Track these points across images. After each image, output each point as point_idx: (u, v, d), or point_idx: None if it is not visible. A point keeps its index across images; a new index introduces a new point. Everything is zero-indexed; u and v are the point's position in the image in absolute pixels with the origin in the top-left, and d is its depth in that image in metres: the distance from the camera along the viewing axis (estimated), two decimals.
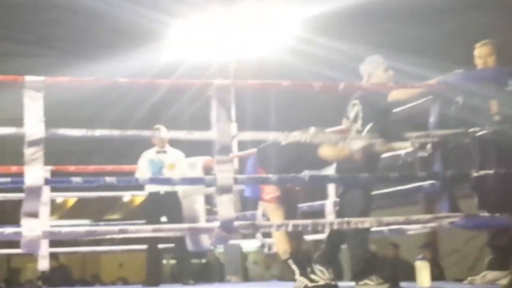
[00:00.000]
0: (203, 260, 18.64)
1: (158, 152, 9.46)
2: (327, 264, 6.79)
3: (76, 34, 17.63)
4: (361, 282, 6.44)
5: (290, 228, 5.95)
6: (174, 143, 9.68)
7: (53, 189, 9.01)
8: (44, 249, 8.73)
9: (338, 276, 6.92)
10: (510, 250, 6.33)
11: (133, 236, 6.06)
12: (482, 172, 6.23)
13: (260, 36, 13.89)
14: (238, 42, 14.16)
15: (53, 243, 9.16)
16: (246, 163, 6.66)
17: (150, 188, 9.39)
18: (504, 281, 6.01)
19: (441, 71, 6.82)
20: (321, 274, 6.59)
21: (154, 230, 6.11)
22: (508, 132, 6.18)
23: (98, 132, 5.81)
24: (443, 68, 6.84)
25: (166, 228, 6.54)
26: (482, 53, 6.67)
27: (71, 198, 21.66)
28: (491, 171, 6.20)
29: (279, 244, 6.53)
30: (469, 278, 6.68)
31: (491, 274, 6.45)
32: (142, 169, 9.39)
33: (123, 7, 14.29)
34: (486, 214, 6.20)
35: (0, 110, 13.08)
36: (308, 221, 5.99)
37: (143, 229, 6.16)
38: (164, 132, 9.15)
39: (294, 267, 6.38)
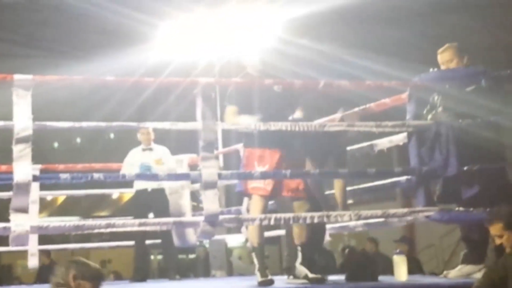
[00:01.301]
0: (191, 256, 18.66)
1: (144, 149, 9.46)
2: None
3: (65, 35, 17.63)
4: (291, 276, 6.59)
5: (272, 222, 5.99)
6: (161, 142, 9.71)
7: (43, 187, 8.99)
8: (34, 246, 8.70)
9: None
10: (483, 244, 6.37)
11: (121, 232, 6.09)
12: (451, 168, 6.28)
13: (244, 37, 13.95)
14: (223, 42, 14.21)
15: (43, 241, 9.17)
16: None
17: (138, 186, 9.40)
18: (478, 275, 6.06)
19: (417, 71, 6.90)
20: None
21: (141, 225, 6.11)
22: (471, 130, 6.24)
23: (85, 124, 5.84)
24: (419, 69, 6.92)
25: (152, 223, 6.55)
26: (443, 59, 6.75)
27: (60, 196, 21.71)
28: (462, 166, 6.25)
29: (250, 236, 6.54)
30: (445, 272, 6.74)
31: (466, 268, 6.50)
32: (127, 167, 9.38)
33: (111, 8, 14.31)
34: (460, 208, 6.26)
35: None
36: (290, 215, 6.05)
37: (130, 224, 6.16)
38: (150, 130, 9.20)
39: (255, 260, 6.41)
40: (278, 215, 6.04)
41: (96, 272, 4.43)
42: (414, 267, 8.47)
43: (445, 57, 6.74)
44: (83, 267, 4.38)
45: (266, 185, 6.37)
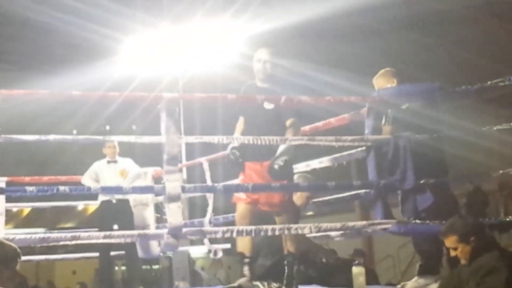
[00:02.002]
0: (155, 266, 18.58)
1: (109, 162, 9.46)
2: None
3: (32, 49, 17.56)
4: (255, 283, 6.56)
5: (234, 234, 5.99)
6: (126, 156, 9.70)
7: (9, 199, 8.93)
8: None
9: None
10: (438, 255, 6.41)
11: (86, 243, 6.06)
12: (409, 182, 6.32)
13: (207, 52, 13.96)
14: (187, 57, 14.21)
15: None
16: None
17: (103, 197, 9.38)
18: (434, 286, 6.11)
19: (371, 86, 6.97)
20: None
21: (105, 237, 6.08)
22: (426, 144, 6.30)
23: (52, 137, 5.80)
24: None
25: (117, 235, 6.51)
26: (377, 85, 6.85)
27: (26, 208, 21.54)
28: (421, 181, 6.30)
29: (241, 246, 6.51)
30: (401, 284, 6.77)
31: (421, 279, 6.54)
32: (85, 178, 9.36)
33: (77, 23, 14.29)
34: (417, 221, 6.30)
35: None
36: (252, 227, 6.05)
37: (95, 236, 6.13)
38: (115, 144, 9.20)
39: (245, 270, 6.39)
40: (241, 228, 6.03)
41: (10, 252, 4.24)
42: (370, 279, 8.48)
43: (377, 83, 6.87)
44: None
45: (251, 195, 6.38)
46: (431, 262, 6.49)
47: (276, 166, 6.17)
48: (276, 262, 6.75)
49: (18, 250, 4.29)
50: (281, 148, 6.23)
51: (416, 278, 6.61)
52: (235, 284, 6.22)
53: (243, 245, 6.41)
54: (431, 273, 6.45)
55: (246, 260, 6.35)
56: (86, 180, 9.29)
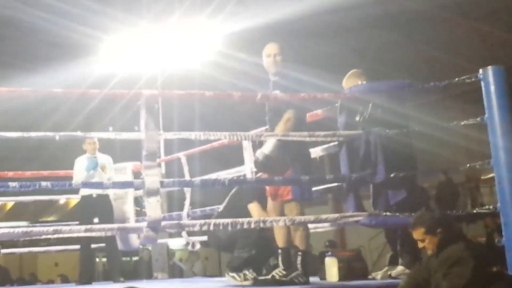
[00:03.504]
0: (135, 258, 18.55)
1: (89, 158, 9.44)
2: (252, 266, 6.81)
3: (14, 48, 17.47)
4: (231, 274, 6.56)
5: (211, 227, 5.97)
6: (106, 150, 9.68)
7: None
8: None
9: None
10: (409, 247, 6.42)
11: (67, 236, 6.03)
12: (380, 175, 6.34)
13: (185, 50, 13.96)
14: (166, 56, 14.20)
15: None
16: None
17: (83, 192, 9.35)
18: (403, 276, 6.12)
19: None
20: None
21: (87, 230, 6.06)
22: (396, 138, 6.32)
23: (33, 134, 5.77)
24: None
25: (98, 228, 6.48)
26: (346, 86, 6.88)
27: (9, 202, 21.42)
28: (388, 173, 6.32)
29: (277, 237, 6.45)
30: (373, 274, 6.80)
31: (392, 270, 6.58)
32: (79, 173, 9.35)
33: (59, 22, 14.23)
34: (388, 213, 6.32)
35: None
36: (228, 220, 6.05)
37: (76, 230, 6.10)
38: (95, 140, 9.19)
39: (280, 260, 6.35)
40: (217, 221, 6.02)
41: None
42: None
43: (346, 84, 6.90)
44: None
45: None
46: (401, 253, 6.53)
47: (255, 159, 6.22)
48: (254, 254, 6.75)
49: None
50: (268, 141, 6.24)
51: (386, 268, 6.65)
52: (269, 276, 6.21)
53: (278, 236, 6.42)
54: (401, 264, 6.50)
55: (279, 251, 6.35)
56: (79, 176, 9.26)
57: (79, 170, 9.34)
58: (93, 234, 6.49)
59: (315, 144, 6.86)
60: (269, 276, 6.18)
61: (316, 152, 7.06)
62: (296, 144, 6.27)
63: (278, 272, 6.15)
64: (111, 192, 9.42)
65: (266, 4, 12.67)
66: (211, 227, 5.95)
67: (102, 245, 9.78)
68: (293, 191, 6.31)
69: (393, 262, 6.60)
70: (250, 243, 6.79)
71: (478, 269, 4.76)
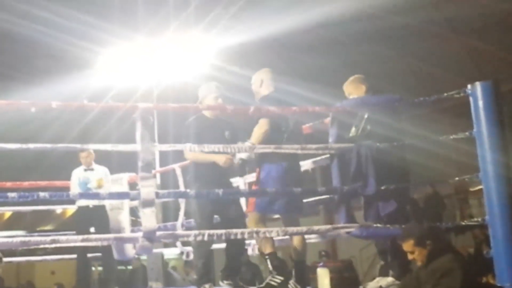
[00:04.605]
0: (129, 267, 18.49)
1: (85, 170, 9.43)
2: (230, 276, 6.82)
3: (14, 61, 17.46)
4: (226, 281, 6.58)
5: (206, 238, 5.96)
6: (103, 161, 9.67)
7: None
8: None
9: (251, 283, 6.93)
10: (399, 257, 6.42)
11: (64, 245, 6.02)
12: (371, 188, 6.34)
13: (180, 63, 13.97)
14: (161, 69, 14.20)
15: None
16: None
17: (80, 202, 9.34)
18: (394, 286, 6.12)
19: (339, 97, 6.99)
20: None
21: (83, 240, 6.05)
22: (387, 151, 6.33)
23: (32, 146, 5.76)
24: (341, 95, 7.01)
25: (94, 238, 6.48)
26: (347, 91, 6.89)
27: (7, 212, 21.36)
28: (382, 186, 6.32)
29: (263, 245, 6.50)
30: (364, 284, 6.78)
31: (383, 280, 6.57)
32: (75, 186, 9.34)
33: (57, 36, 14.23)
34: (378, 225, 6.32)
35: None
36: (222, 231, 6.04)
37: (73, 239, 6.11)
38: (90, 152, 9.18)
39: (269, 264, 6.37)
40: (212, 232, 6.02)
41: None
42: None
43: (346, 89, 6.91)
44: None
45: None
46: (392, 264, 6.52)
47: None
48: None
49: (1, 255, 4.25)
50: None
51: (378, 279, 6.64)
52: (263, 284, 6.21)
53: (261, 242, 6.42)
54: (392, 275, 6.49)
55: (266, 257, 6.33)
56: (75, 189, 9.26)
57: (75, 184, 9.33)
58: (90, 243, 6.50)
59: (307, 156, 6.88)
60: (264, 285, 6.17)
61: (308, 164, 7.07)
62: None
63: (272, 278, 6.15)
64: (107, 203, 9.40)
65: (259, 18, 12.69)
66: (205, 237, 5.95)
67: (98, 254, 9.76)
68: (256, 203, 6.42)
69: (383, 273, 6.59)
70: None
71: (467, 280, 4.77)
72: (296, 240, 6.44)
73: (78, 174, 9.43)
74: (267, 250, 6.33)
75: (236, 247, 6.95)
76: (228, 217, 6.96)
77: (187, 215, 8.60)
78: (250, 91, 6.99)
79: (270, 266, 6.24)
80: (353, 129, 6.62)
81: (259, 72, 6.94)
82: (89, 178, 9.36)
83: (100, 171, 9.50)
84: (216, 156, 6.54)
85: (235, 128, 6.90)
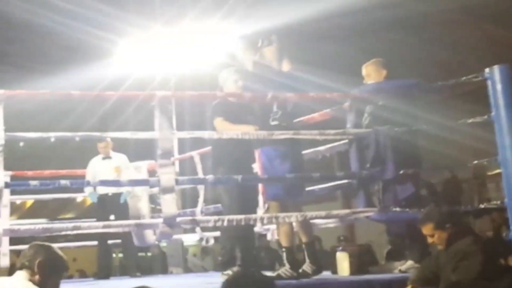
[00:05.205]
0: (149, 254, 18.56)
1: (103, 158, 9.45)
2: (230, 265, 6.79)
3: (32, 51, 17.50)
4: (225, 272, 6.54)
5: (225, 223, 5.97)
6: (122, 150, 9.68)
7: (13, 192, 8.90)
8: (5, 247, 8.56)
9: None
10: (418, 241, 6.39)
11: (85, 232, 6.04)
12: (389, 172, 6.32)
13: (197, 52, 13.97)
14: (179, 58, 14.21)
15: (14, 241, 9.04)
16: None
17: (99, 190, 9.35)
18: (412, 270, 6.10)
19: (357, 84, 6.96)
20: None
21: (105, 227, 6.07)
22: (404, 136, 6.31)
23: (52, 134, 5.77)
24: (359, 82, 6.98)
25: (115, 225, 6.51)
26: (366, 72, 6.85)
27: (29, 200, 21.45)
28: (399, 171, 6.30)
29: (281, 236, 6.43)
30: (369, 268, 6.73)
31: (388, 264, 6.61)
32: (88, 175, 9.34)
33: (74, 26, 14.24)
34: (397, 209, 6.30)
35: None
36: (241, 216, 6.05)
37: (94, 226, 6.14)
38: (108, 142, 9.20)
39: (284, 257, 6.31)
40: (231, 217, 6.02)
41: (61, 264, 4.21)
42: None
43: (365, 71, 6.88)
44: (51, 257, 4.17)
45: None
46: (410, 248, 6.50)
47: None
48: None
49: (67, 266, 4.31)
50: None
51: (384, 263, 6.66)
52: (275, 274, 6.17)
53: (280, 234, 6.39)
54: (399, 259, 6.52)
55: (283, 249, 6.31)
56: (90, 177, 9.28)
57: (90, 173, 9.33)
58: (111, 230, 6.51)
59: (326, 142, 6.87)
60: (275, 274, 6.14)
61: (326, 150, 7.06)
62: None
63: (284, 271, 6.12)
64: (124, 190, 9.39)
65: (277, 7, 12.64)
66: (225, 223, 5.95)
67: (118, 241, 9.78)
68: (265, 191, 6.44)
69: (391, 258, 6.59)
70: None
71: (487, 263, 4.75)
72: (302, 223, 6.38)
73: (95, 162, 9.45)
74: (285, 243, 6.30)
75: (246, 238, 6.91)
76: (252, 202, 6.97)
77: (206, 201, 8.63)
78: (267, 79, 6.95)
79: (285, 259, 6.21)
80: (365, 115, 6.63)
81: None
82: (106, 167, 9.37)
83: (118, 158, 9.50)
84: (248, 126, 6.48)
85: (256, 113, 6.86)
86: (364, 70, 6.92)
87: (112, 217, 9.29)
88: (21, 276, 4.09)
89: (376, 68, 6.83)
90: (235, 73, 7.05)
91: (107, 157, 9.47)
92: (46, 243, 4.28)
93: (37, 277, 4.07)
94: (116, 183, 8.81)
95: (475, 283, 4.67)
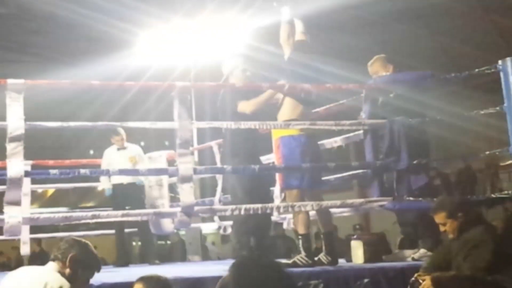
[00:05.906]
0: (168, 242, 18.62)
1: (118, 149, 9.46)
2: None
3: (55, 42, 17.59)
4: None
5: (242, 212, 5.98)
6: (142, 139, 9.70)
7: (34, 181, 8.93)
8: (26, 235, 8.60)
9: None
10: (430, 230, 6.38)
11: (104, 221, 6.05)
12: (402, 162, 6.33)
13: (216, 44, 13.97)
14: (198, 49, 14.23)
15: (34, 230, 9.08)
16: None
17: (114, 180, 9.35)
18: (425, 259, 6.10)
19: (367, 74, 6.97)
20: None
21: (123, 215, 6.08)
22: (417, 127, 6.31)
23: (72, 124, 5.80)
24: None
25: (134, 213, 6.51)
26: (371, 71, 6.86)
27: (50, 189, 21.56)
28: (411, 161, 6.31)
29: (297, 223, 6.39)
30: (384, 257, 6.72)
31: (401, 253, 6.62)
32: (103, 165, 9.35)
33: (96, 18, 14.31)
34: (411, 198, 6.31)
35: None
36: (258, 205, 6.06)
37: (113, 215, 6.14)
38: (122, 135, 9.20)
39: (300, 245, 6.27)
40: (248, 206, 6.02)
41: (94, 263, 4.20)
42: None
43: (372, 69, 6.87)
44: (84, 253, 4.17)
45: None
46: (423, 236, 6.51)
47: None
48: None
49: (100, 264, 4.29)
50: None
51: (396, 251, 6.67)
52: (290, 261, 6.16)
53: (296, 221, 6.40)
54: (411, 247, 6.52)
55: (299, 237, 6.32)
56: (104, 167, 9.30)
57: (105, 164, 9.34)
58: (130, 219, 6.53)
59: (341, 132, 6.88)
60: (291, 262, 6.13)
61: (342, 140, 7.07)
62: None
63: (300, 258, 6.11)
64: (144, 180, 9.40)
65: None
66: (242, 212, 5.97)
67: (135, 229, 9.81)
68: (283, 180, 6.40)
69: (403, 246, 6.59)
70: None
71: (498, 251, 4.74)
72: (321, 213, 6.38)
73: (110, 153, 9.45)
74: (301, 230, 6.28)
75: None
76: (266, 192, 6.96)
77: (224, 190, 8.65)
78: (285, 70, 6.95)
79: (300, 247, 6.19)
80: (380, 105, 6.64)
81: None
82: (121, 157, 9.37)
83: (133, 148, 9.52)
84: (269, 91, 6.46)
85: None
86: (370, 69, 6.93)
87: (128, 206, 9.28)
88: (51, 266, 4.12)
89: (383, 64, 6.84)
90: (243, 62, 7.02)
91: (122, 147, 9.46)
92: (84, 240, 4.28)
93: (67, 270, 4.09)
94: (134, 172, 8.80)
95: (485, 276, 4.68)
